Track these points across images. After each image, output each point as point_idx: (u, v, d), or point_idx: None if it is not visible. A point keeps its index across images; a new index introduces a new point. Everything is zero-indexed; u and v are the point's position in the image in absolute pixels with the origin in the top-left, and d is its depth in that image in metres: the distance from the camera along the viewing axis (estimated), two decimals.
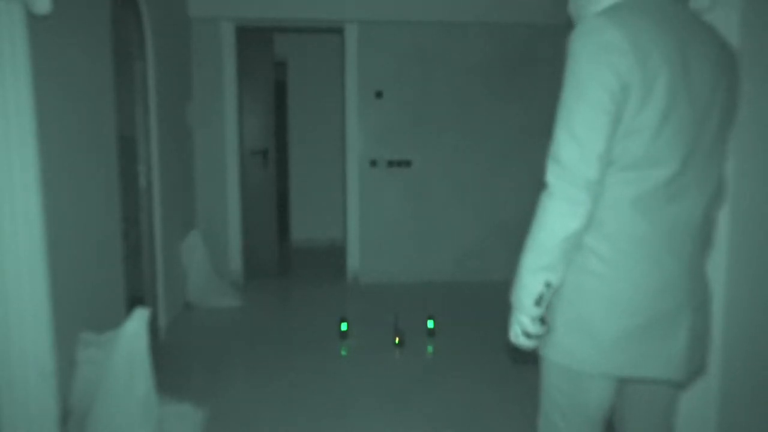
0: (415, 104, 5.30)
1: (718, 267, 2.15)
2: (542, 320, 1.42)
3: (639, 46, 1.28)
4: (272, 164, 5.59)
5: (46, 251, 2.15)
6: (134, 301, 3.42)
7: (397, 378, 3.38)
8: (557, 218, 1.33)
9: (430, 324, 4.00)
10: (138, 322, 2.43)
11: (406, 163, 5.35)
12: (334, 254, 6.48)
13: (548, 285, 1.37)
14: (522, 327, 1.42)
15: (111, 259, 3.19)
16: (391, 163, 5.34)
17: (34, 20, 2.16)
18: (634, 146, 1.32)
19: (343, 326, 3.98)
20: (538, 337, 1.43)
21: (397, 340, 3.84)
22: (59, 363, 2.26)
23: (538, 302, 1.38)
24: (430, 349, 3.83)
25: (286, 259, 6.34)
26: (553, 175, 1.34)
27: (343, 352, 3.79)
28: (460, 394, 3.18)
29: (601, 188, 1.34)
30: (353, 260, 5.43)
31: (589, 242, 1.38)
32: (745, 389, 2.12)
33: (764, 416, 2.05)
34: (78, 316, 2.71)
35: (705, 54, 1.37)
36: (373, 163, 5.33)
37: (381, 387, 3.27)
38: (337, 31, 5.52)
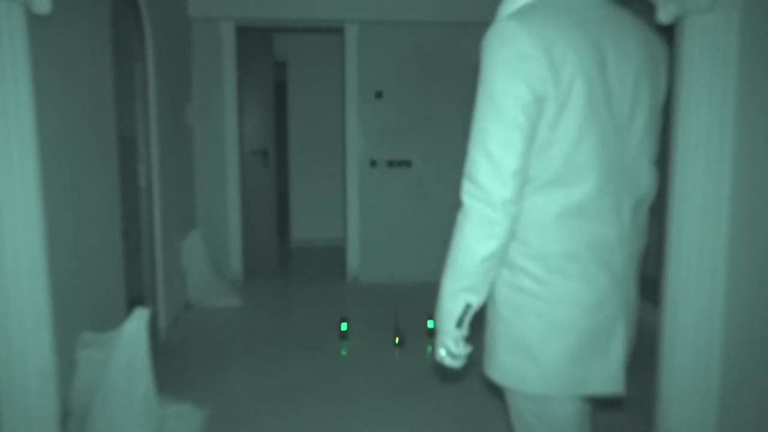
0: (415, 104, 5.30)
1: (718, 268, 2.15)
2: (466, 340, 1.40)
3: (552, 55, 1.21)
4: (272, 164, 5.59)
5: (46, 251, 2.15)
6: (134, 301, 3.42)
7: (397, 378, 3.38)
8: (475, 240, 1.28)
9: (430, 324, 3.99)
10: (138, 322, 2.43)
11: (406, 163, 5.35)
12: (334, 254, 6.48)
13: (469, 306, 1.33)
14: (446, 348, 1.38)
15: (111, 259, 3.19)
16: (391, 163, 5.34)
17: (34, 20, 2.16)
18: (553, 161, 1.27)
19: (343, 326, 3.98)
20: (463, 357, 1.40)
21: (397, 340, 3.84)
22: (59, 363, 2.26)
23: (459, 324, 1.34)
24: (430, 349, 3.83)
25: (286, 259, 6.34)
26: (468, 195, 1.29)
27: (343, 352, 3.79)
28: (460, 393, 3.18)
29: (517, 206, 1.28)
30: (353, 260, 5.43)
31: (518, 262, 1.34)
32: (745, 389, 2.12)
33: (764, 416, 2.05)
34: (78, 316, 2.71)
35: (625, 53, 1.31)
36: (373, 163, 5.33)
37: (381, 387, 3.27)
38: (337, 31, 5.52)
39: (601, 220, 1.32)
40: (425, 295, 4.95)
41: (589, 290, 1.33)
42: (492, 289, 1.40)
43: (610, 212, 1.32)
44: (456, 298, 1.33)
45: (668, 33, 2.29)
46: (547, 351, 1.34)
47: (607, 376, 1.37)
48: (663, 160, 3.09)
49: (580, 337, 1.34)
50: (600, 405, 1.79)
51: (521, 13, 1.27)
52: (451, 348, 1.38)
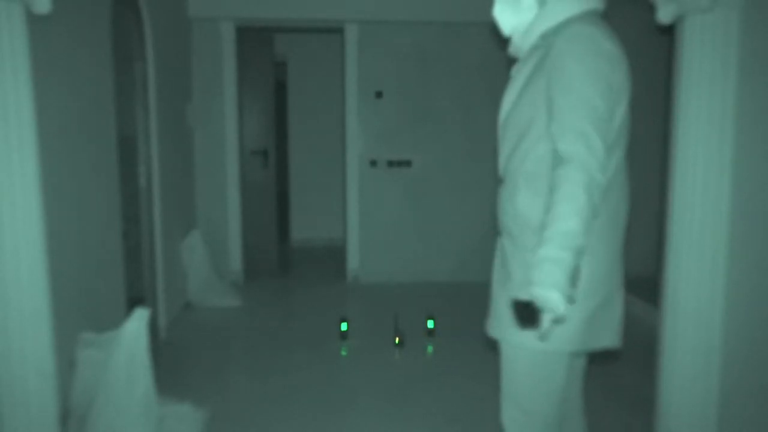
0: (415, 104, 5.30)
1: (718, 267, 2.15)
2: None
3: (621, 56, 1.54)
4: (272, 164, 5.59)
5: (46, 251, 2.15)
6: (134, 301, 3.42)
7: (397, 378, 3.38)
8: (586, 204, 1.42)
9: (430, 324, 4.00)
10: (138, 322, 2.43)
11: (406, 163, 5.35)
12: (334, 254, 6.48)
13: (576, 269, 1.45)
14: (557, 310, 1.40)
15: (111, 259, 3.19)
16: (391, 163, 5.34)
17: (34, 20, 2.16)
18: (608, 137, 1.52)
19: (343, 326, 3.98)
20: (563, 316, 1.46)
21: (397, 340, 3.84)
22: (59, 363, 2.26)
23: (573, 283, 1.44)
24: (430, 349, 3.84)
25: (286, 259, 6.34)
26: (580, 162, 1.43)
27: (343, 352, 3.79)
28: (459, 394, 3.18)
29: None
30: (353, 260, 5.43)
31: None
32: (745, 389, 2.13)
33: (764, 416, 2.05)
34: (78, 316, 2.71)
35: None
36: (373, 163, 5.33)
37: (381, 387, 3.27)
38: (337, 31, 5.52)
39: (620, 183, 1.60)
40: (425, 295, 4.97)
41: (610, 255, 1.60)
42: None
43: (624, 177, 1.63)
44: (569, 260, 1.41)
45: (668, 33, 2.29)
46: (579, 311, 1.55)
47: (613, 332, 1.64)
48: (662, 160, 3.06)
49: (600, 299, 1.58)
50: (598, 359, 2.06)
51: (588, 21, 1.53)
52: (560, 307, 1.40)
